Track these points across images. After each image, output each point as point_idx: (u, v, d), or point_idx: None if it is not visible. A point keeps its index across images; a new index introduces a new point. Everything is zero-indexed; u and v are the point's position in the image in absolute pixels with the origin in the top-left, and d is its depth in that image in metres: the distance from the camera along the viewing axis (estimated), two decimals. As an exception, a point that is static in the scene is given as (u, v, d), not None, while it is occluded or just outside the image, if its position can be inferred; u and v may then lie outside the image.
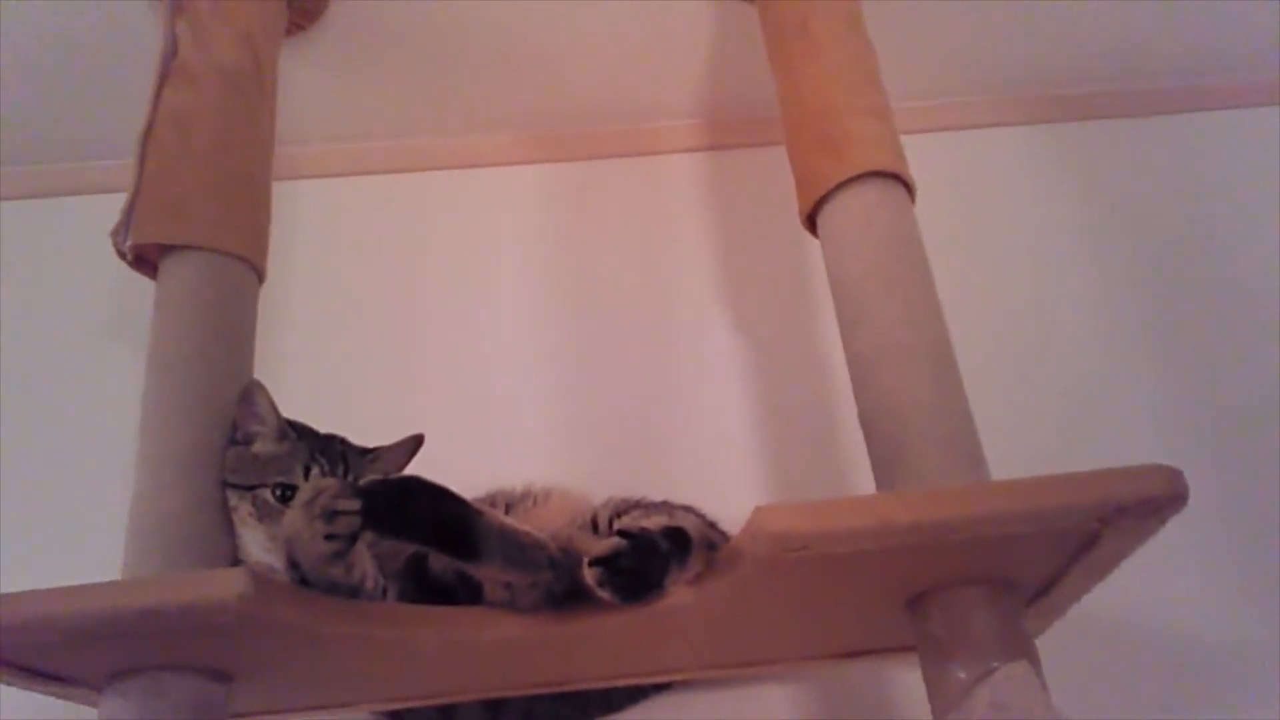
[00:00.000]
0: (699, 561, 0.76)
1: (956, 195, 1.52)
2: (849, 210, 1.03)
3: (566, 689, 0.98)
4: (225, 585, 0.68)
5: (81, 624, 0.70)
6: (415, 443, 1.04)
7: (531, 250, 1.54)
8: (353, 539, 0.73)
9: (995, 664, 0.80)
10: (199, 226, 1.05)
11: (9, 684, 0.83)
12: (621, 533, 0.72)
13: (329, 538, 0.72)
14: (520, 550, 0.78)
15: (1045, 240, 1.55)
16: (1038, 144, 1.64)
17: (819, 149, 1.06)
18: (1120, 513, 0.69)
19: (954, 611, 0.83)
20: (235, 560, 0.93)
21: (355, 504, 0.71)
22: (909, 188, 1.06)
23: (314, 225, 1.52)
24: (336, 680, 0.93)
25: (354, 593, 0.79)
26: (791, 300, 1.51)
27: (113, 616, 0.69)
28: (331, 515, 0.71)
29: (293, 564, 0.76)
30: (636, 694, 1.12)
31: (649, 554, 0.70)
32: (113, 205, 1.48)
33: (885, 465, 0.91)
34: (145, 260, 1.07)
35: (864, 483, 1.30)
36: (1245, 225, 1.55)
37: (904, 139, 1.08)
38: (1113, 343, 1.46)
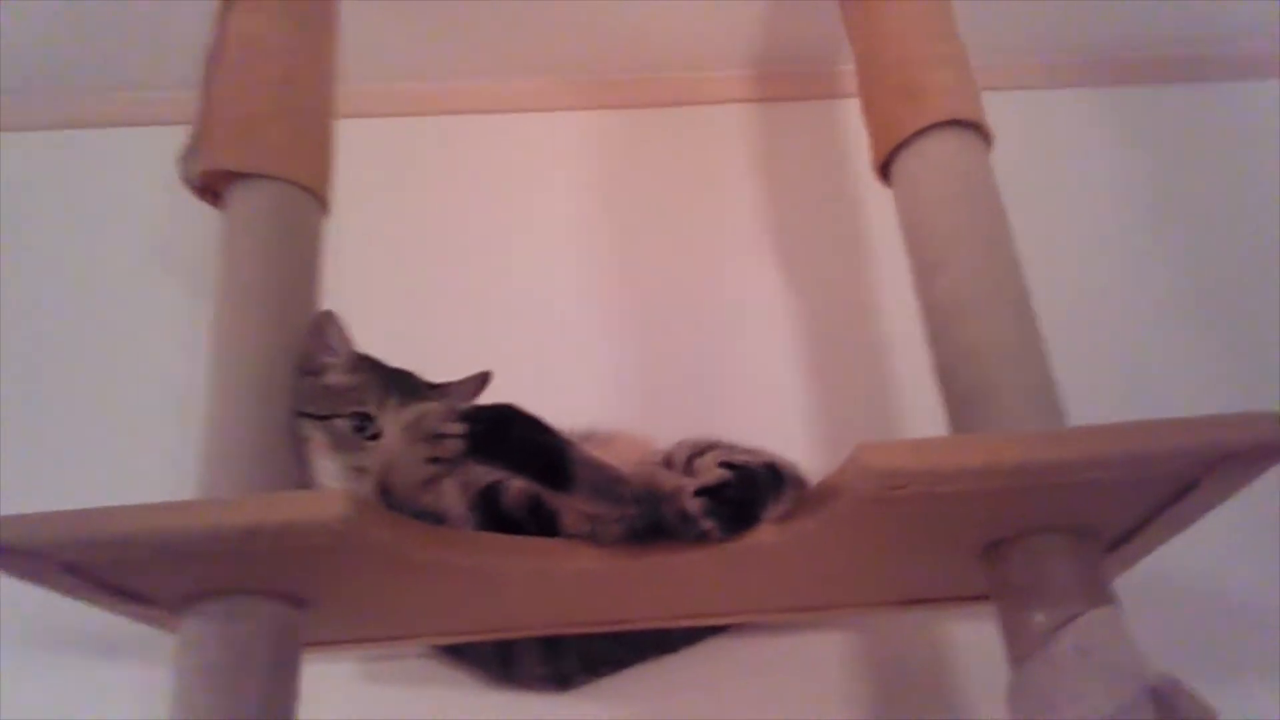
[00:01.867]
0: (790, 499, 0.76)
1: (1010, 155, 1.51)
2: (927, 157, 1.02)
3: (636, 627, 0.98)
4: (327, 505, 0.68)
5: (180, 540, 0.69)
6: (482, 379, 1.03)
7: (579, 198, 1.53)
8: (453, 463, 0.73)
9: (1078, 610, 0.80)
10: (271, 155, 1.04)
11: (88, 600, 0.83)
12: (726, 464, 0.71)
13: (431, 460, 0.71)
14: (608, 483, 0.78)
15: (1104, 204, 1.54)
16: (1095, 107, 1.63)
17: (897, 96, 1.05)
18: (1227, 459, 0.69)
19: (1036, 558, 0.83)
20: (308, 488, 0.93)
21: (460, 427, 0.70)
22: (986, 137, 1.04)
23: (359, 165, 1.49)
24: (410, 610, 0.93)
25: (439, 521, 0.79)
26: (840, 254, 1.50)
27: (212, 534, 0.69)
28: (436, 438, 0.70)
29: (383, 490, 0.76)
30: (692, 636, 1.13)
31: (753, 486, 0.70)
32: (140, 138, 1.52)
33: (965, 413, 0.91)
34: (209, 189, 1.06)
35: (916, 435, 1.34)
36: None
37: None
38: (1165, 307, 1.45)
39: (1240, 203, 1.54)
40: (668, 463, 0.91)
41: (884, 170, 1.09)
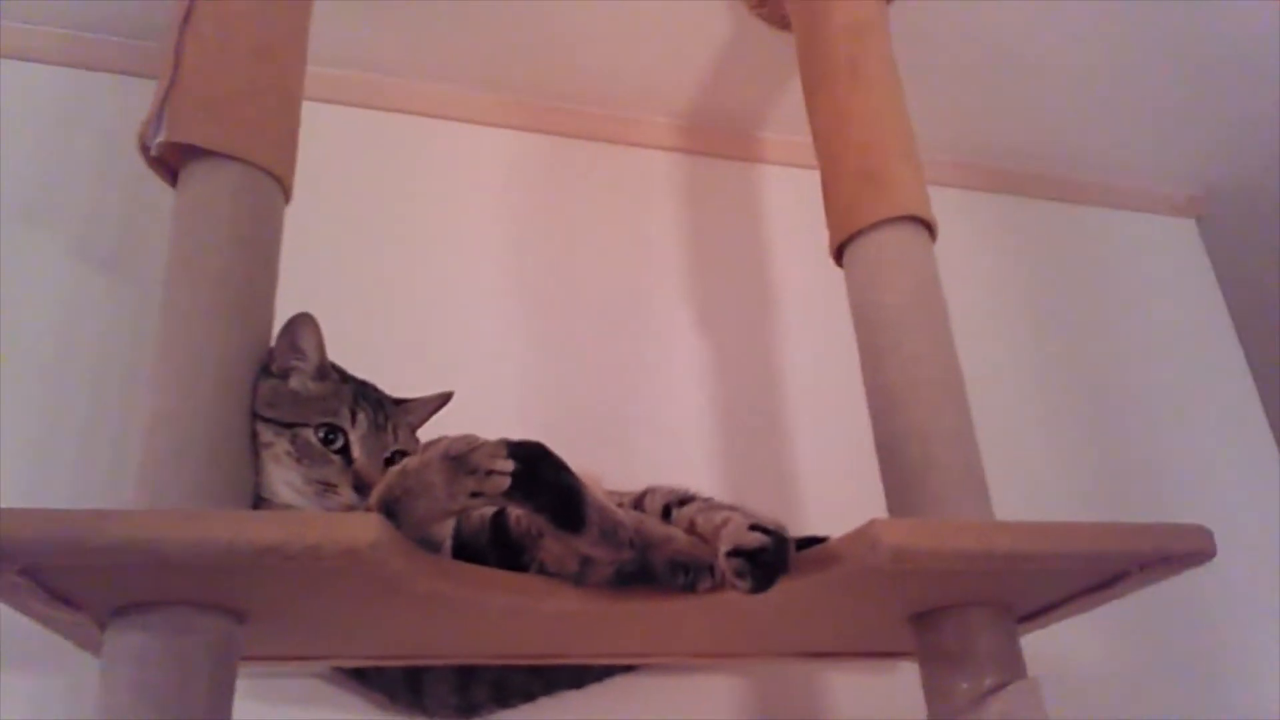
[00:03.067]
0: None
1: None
2: (885, 247, 1.10)
3: (579, 662, 0.99)
4: (359, 531, 0.65)
5: (191, 553, 0.64)
6: (443, 399, 1.02)
7: (506, 214, 1.53)
8: (492, 499, 0.72)
9: (992, 679, 0.90)
10: (240, 134, 0.98)
11: (19, 606, 0.75)
12: (756, 527, 0.75)
13: (475, 494, 0.70)
14: (613, 527, 0.79)
15: (982, 303, 1.70)
16: (975, 208, 1.80)
17: (860, 184, 1.13)
18: (1164, 561, 0.80)
19: (964, 629, 0.92)
20: (256, 496, 0.88)
21: (510, 465, 0.69)
22: (933, 233, 1.14)
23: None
24: (355, 630, 0.90)
25: (435, 550, 0.77)
26: (749, 307, 1.58)
27: (228, 549, 0.64)
28: (486, 474, 0.69)
29: (389, 510, 0.73)
30: (604, 673, 1.15)
31: (785, 551, 0.73)
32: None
33: (905, 490, 0.99)
34: (165, 161, 0.98)
35: (808, 486, 1.43)
36: (1138, 316, 1.77)
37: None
38: (1022, 402, 1.62)
39: (1107, 319, 1.75)
40: (639, 507, 0.94)
41: (838, 254, 1.16)
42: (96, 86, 1.43)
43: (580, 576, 0.82)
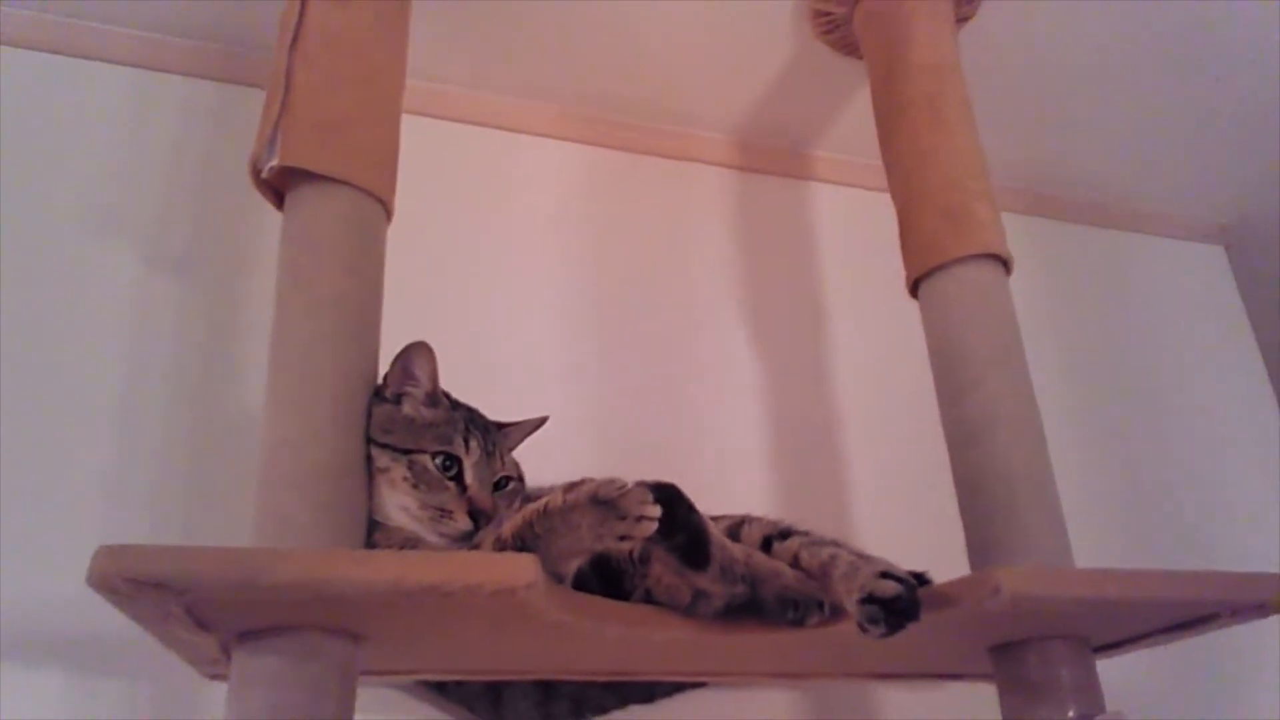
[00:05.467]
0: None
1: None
2: (965, 283, 1.13)
3: (672, 679, 1.02)
4: (518, 571, 0.67)
5: (359, 593, 0.66)
6: (538, 423, 1.04)
7: (560, 227, 1.54)
8: (636, 541, 0.74)
9: (1074, 710, 0.93)
10: (348, 158, 0.99)
11: (162, 633, 0.77)
12: (890, 576, 0.77)
13: (623, 538, 0.72)
14: (730, 564, 0.82)
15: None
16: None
17: (943, 220, 1.16)
18: (1258, 609, 0.84)
19: (1046, 660, 0.95)
20: (370, 520, 0.90)
21: (657, 511, 0.72)
22: (1009, 269, 1.17)
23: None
24: (464, 649, 0.92)
25: (560, 582, 0.80)
26: (802, 324, 1.61)
27: (394, 589, 0.66)
28: (637, 519, 0.71)
29: (524, 547, 0.75)
30: (673, 688, 1.18)
31: (916, 596, 0.76)
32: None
33: (987, 523, 1.03)
34: (273, 184, 1.00)
35: (860, 504, 1.46)
36: (1165, 343, 1.81)
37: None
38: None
39: (1134, 343, 1.79)
40: (734, 537, 0.96)
41: (914, 287, 1.19)
42: (164, 89, 1.43)
43: (692, 608, 0.85)
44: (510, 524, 0.79)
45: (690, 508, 0.78)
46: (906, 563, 0.96)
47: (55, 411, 1.19)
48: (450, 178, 1.51)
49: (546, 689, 1.11)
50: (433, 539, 0.88)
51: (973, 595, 0.80)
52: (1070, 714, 0.93)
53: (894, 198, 1.24)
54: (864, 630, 0.76)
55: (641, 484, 0.74)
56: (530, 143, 1.57)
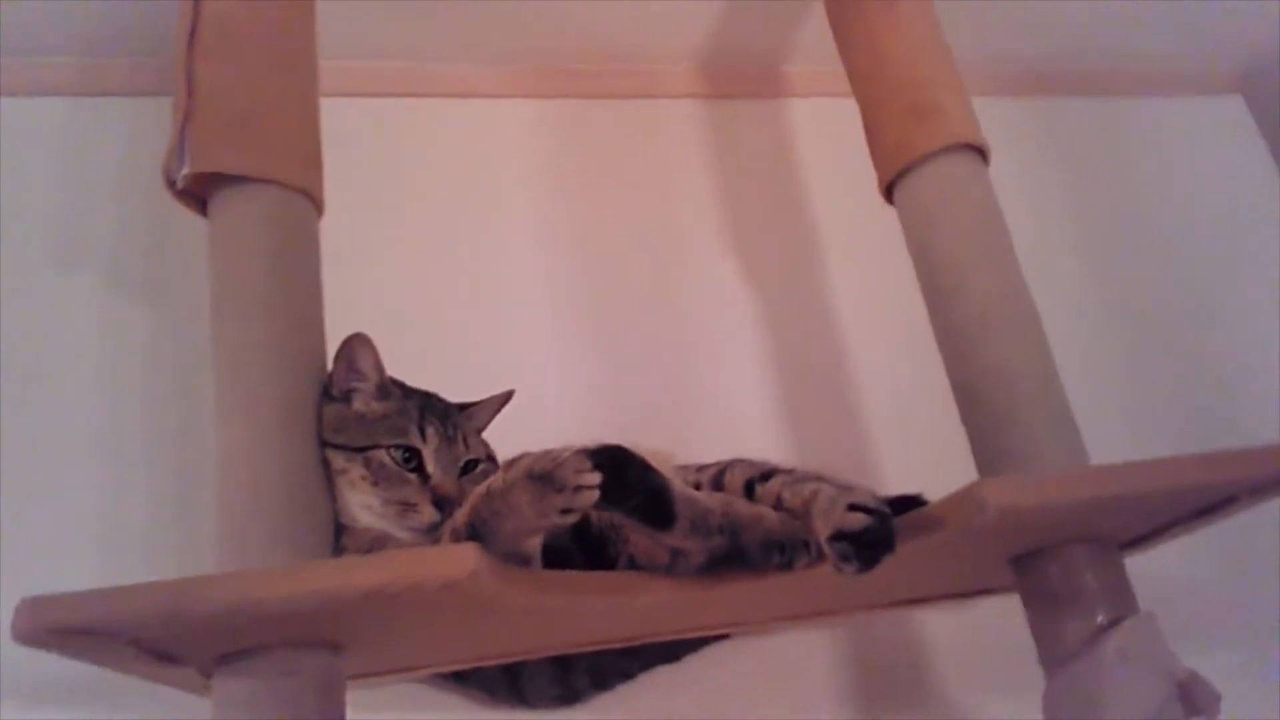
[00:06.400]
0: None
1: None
2: (940, 179, 1.06)
3: (673, 638, 0.99)
4: (458, 563, 0.64)
5: (290, 607, 0.64)
6: (504, 398, 1.00)
7: (535, 186, 1.48)
8: (583, 513, 0.70)
9: (1103, 615, 0.87)
10: (264, 154, 0.95)
11: (126, 669, 0.75)
12: (858, 507, 0.72)
13: (565, 511, 0.68)
14: (702, 517, 0.77)
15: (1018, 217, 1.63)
16: (1006, 116, 1.72)
17: (908, 118, 1.08)
18: (1277, 484, 0.77)
19: (1069, 567, 0.89)
20: (336, 523, 0.87)
21: (596, 478, 0.68)
22: (986, 159, 1.09)
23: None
24: (450, 641, 0.89)
25: (526, 562, 0.76)
26: (794, 251, 1.53)
27: (331, 598, 0.63)
28: (575, 490, 0.67)
29: (477, 532, 0.72)
30: (698, 644, 1.14)
31: (889, 528, 0.71)
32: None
33: (991, 436, 0.96)
34: (192, 192, 0.96)
35: (878, 435, 1.40)
36: (1188, 210, 1.69)
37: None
38: (1085, 320, 1.56)
39: (1152, 216, 1.68)
40: (718, 484, 0.92)
41: (888, 191, 1.12)
42: (106, 112, 1.40)
43: (672, 567, 0.81)
44: (461, 511, 0.75)
45: (644, 467, 0.73)
46: (932, 489, 0.91)
47: (36, 449, 1.18)
48: (410, 155, 1.46)
49: (563, 663, 1.08)
50: (402, 535, 0.85)
51: (958, 514, 0.74)
52: (1099, 619, 0.87)
53: (857, 101, 1.16)
54: (839, 569, 0.71)
55: (581, 451, 0.70)
56: (489, 107, 1.51)
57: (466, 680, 1.10)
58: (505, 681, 1.08)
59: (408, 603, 0.67)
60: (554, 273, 1.44)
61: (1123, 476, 0.76)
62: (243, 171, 0.94)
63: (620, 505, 0.72)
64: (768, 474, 0.88)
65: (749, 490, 0.88)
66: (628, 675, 1.12)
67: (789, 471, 0.88)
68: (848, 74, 1.18)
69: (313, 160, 1.01)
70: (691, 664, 1.15)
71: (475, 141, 1.48)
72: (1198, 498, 0.82)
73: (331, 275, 1.31)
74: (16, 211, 1.31)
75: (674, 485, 0.76)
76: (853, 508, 0.72)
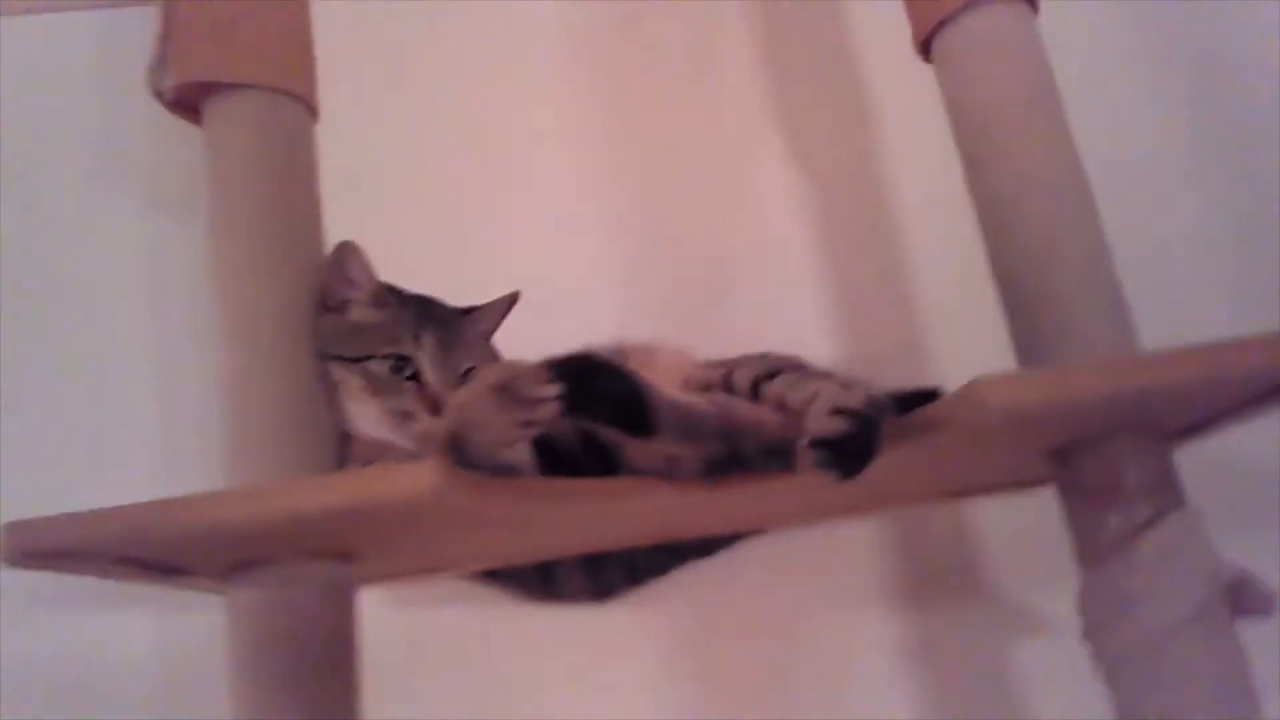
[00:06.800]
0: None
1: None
2: (976, 33, 0.95)
3: (692, 538, 0.97)
4: (418, 479, 0.62)
5: (261, 527, 0.64)
6: (510, 301, 0.97)
7: (574, 89, 1.41)
8: (547, 426, 0.68)
9: (1145, 510, 0.81)
10: (251, 60, 0.92)
11: (132, 581, 0.78)
12: (839, 410, 0.68)
13: (526, 424, 0.66)
14: (690, 422, 0.74)
15: (1135, 118, 1.45)
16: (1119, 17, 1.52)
17: (940, -36, 0.96)
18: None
19: (1109, 460, 0.82)
20: (343, 434, 0.87)
21: (556, 389, 0.65)
22: (1035, 6, 0.97)
23: (339, 50, 1.35)
24: (462, 546, 0.90)
25: (513, 472, 0.75)
26: (847, 129, 1.42)
27: (297, 518, 0.64)
28: (533, 403, 0.65)
29: (456, 445, 0.70)
30: (732, 538, 1.13)
31: (871, 434, 0.67)
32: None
33: (1026, 310, 0.88)
34: (185, 103, 0.94)
35: (934, 325, 1.32)
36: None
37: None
38: (1203, 223, 1.40)
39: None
40: (727, 385, 0.88)
41: (925, 47, 1.01)
42: (142, 23, 1.39)
43: (669, 473, 0.78)
44: (444, 421, 0.74)
45: (615, 374, 0.70)
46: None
47: (88, 363, 1.23)
48: (451, 59, 1.40)
49: (595, 559, 1.08)
50: (405, 443, 0.85)
51: (961, 414, 0.68)
52: (1140, 515, 0.81)
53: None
54: (820, 477, 0.67)
55: (544, 362, 0.67)
56: (527, 6, 1.43)
57: (501, 575, 1.11)
58: (538, 577, 1.09)
59: (387, 518, 0.66)
60: (586, 165, 1.37)
61: (1147, 367, 0.68)
62: (226, 78, 0.91)
63: (591, 415, 0.69)
64: (774, 372, 0.83)
65: (755, 390, 0.84)
66: (662, 570, 1.12)
67: (798, 368, 0.84)
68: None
69: (304, 63, 0.98)
70: (728, 559, 1.14)
71: (506, 43, 1.41)
72: (1242, 386, 0.73)
73: (351, 180, 1.31)
74: (55, 129, 1.33)
75: (655, 391, 0.72)
76: (836, 411, 0.67)
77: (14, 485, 1.16)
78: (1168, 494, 0.82)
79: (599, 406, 0.69)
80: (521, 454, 0.74)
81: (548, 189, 1.36)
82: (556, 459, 0.81)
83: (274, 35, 0.95)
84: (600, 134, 1.39)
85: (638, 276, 1.33)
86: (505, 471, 0.73)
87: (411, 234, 1.29)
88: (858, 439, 0.66)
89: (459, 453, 0.70)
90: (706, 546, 1.12)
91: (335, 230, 1.17)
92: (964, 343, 1.26)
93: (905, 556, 1.19)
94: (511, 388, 0.65)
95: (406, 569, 0.96)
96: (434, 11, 1.40)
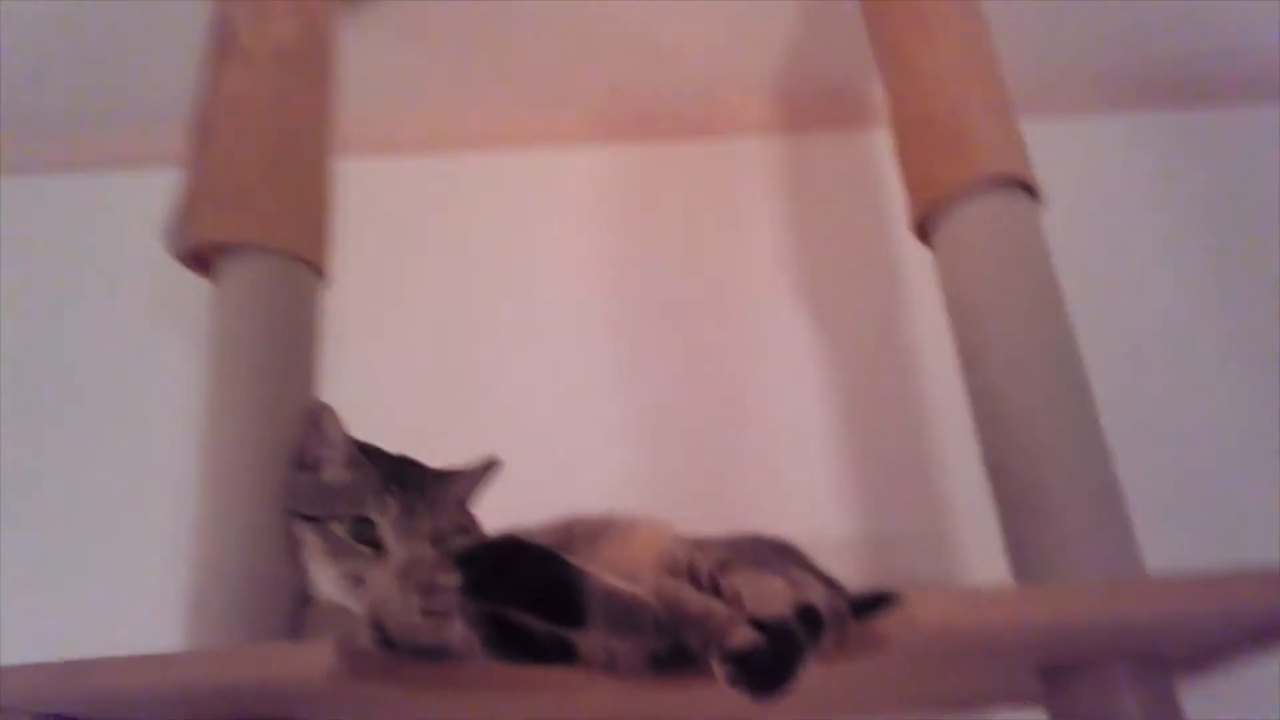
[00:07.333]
0: (829, 641, 0.68)
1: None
2: (970, 222, 0.93)
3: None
4: (311, 662, 0.61)
5: (151, 696, 0.63)
6: (489, 466, 0.96)
7: (595, 236, 1.45)
8: (449, 614, 0.66)
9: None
10: (261, 224, 0.97)
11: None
12: (756, 623, 0.63)
13: (426, 613, 0.64)
14: (626, 613, 0.70)
15: (1151, 241, 1.43)
16: (1128, 132, 1.51)
17: (935, 150, 0.96)
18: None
19: (1103, 689, 0.74)
20: (304, 594, 0.86)
21: (454, 579, 0.63)
22: (1037, 197, 0.95)
23: (360, 207, 1.42)
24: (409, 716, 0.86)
25: (442, 654, 0.72)
26: (875, 296, 1.41)
27: (186, 691, 0.62)
28: (430, 590, 0.63)
29: (376, 625, 0.69)
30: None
31: (787, 648, 0.62)
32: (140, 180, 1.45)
33: (1017, 516, 0.83)
34: (200, 260, 0.99)
35: (956, 507, 1.25)
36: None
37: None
38: (1227, 353, 1.34)
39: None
40: (691, 572, 0.84)
41: (923, 230, 1.00)
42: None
43: (610, 665, 0.74)
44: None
45: (545, 559, 0.67)
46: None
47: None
48: (470, 210, 1.46)
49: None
50: (358, 609, 0.83)
51: (891, 631, 0.62)
52: (1138, 755, 0.72)
53: (893, 136, 1.05)
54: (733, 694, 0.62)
55: (449, 551, 0.65)
56: (551, 155, 1.49)
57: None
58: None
59: (280, 698, 0.64)
60: (610, 315, 1.39)
61: (1088, 600, 0.62)
62: (238, 239, 0.96)
63: (508, 603, 0.66)
64: (735, 557, 0.79)
65: (717, 578, 0.80)
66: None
67: (760, 562, 0.79)
68: (888, 102, 1.07)
69: (318, 228, 1.02)
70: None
71: (530, 193, 1.47)
72: (1236, 622, 0.65)
73: (374, 338, 1.36)
74: (117, 273, 1.42)
75: (592, 579, 0.69)
76: (754, 622, 0.62)
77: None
78: (1169, 731, 0.74)
79: (521, 593, 0.66)
80: (447, 635, 0.71)
81: (558, 352, 1.38)
82: (515, 637, 0.78)
83: (290, 202, 1.00)
84: (620, 283, 1.41)
85: (651, 442, 1.31)
86: (430, 653, 0.71)
87: (418, 389, 1.33)
88: (769, 658, 0.61)
89: (380, 632, 0.68)
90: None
91: (347, 383, 1.22)
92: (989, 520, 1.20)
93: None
94: (410, 574, 0.63)
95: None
96: (444, 168, 1.46)
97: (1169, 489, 1.23)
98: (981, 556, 1.13)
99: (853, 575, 1.11)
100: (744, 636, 0.62)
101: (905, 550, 1.25)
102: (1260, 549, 1.11)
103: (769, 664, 0.61)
